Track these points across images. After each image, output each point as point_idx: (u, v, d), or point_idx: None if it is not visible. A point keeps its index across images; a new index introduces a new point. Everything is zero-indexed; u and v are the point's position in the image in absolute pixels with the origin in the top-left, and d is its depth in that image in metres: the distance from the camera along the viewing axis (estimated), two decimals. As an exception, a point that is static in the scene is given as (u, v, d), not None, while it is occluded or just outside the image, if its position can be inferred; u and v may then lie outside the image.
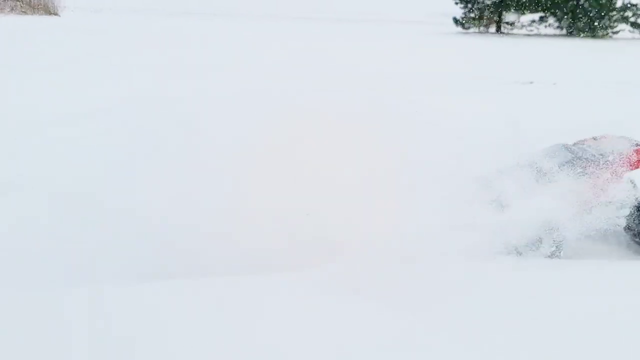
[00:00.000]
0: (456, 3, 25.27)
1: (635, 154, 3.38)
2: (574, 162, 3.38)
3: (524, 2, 23.88)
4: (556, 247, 3.16)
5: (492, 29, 25.29)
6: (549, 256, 3.11)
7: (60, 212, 3.34)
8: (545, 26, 24.65)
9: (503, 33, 24.72)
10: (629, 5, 23.29)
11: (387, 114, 3.13)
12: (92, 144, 4.59)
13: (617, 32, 23.60)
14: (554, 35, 23.83)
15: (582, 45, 19.32)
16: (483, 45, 19.11)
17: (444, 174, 3.05)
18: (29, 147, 4.91)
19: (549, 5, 23.44)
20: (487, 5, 24.67)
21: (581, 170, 3.32)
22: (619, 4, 23.23)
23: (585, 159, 3.38)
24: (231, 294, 2.42)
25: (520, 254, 3.08)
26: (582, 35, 23.07)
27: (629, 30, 23.69)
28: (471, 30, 25.28)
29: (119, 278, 2.71)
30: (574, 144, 3.56)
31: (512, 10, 24.29)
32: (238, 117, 3.40)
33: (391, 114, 3.11)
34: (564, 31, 24.13)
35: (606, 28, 23.21)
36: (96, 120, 5.71)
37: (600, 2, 22.02)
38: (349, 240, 2.82)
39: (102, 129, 5.11)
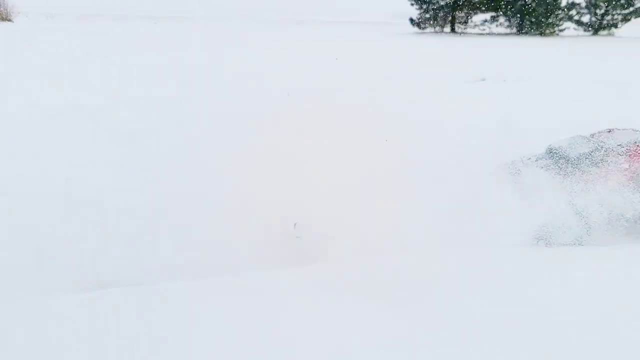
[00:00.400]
0: (412, 4, 26.06)
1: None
2: (596, 152, 3.59)
3: (475, 3, 24.89)
4: (585, 231, 3.26)
5: (447, 28, 26.22)
6: (576, 242, 3.20)
7: (60, 211, 3.34)
8: (497, 25, 25.75)
9: (457, 32, 25.67)
10: (573, 4, 24.64)
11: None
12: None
13: (563, 30, 24.92)
14: (505, 34, 24.90)
15: (530, 43, 20.35)
16: (437, 44, 19.83)
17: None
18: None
19: (499, 5, 24.55)
20: (442, 6, 25.56)
21: (603, 158, 3.52)
22: (563, 3, 24.54)
23: (606, 149, 3.60)
24: (234, 292, 2.48)
25: (548, 240, 3.19)
26: (531, 33, 24.28)
27: (574, 28, 25.10)
28: (427, 30, 26.14)
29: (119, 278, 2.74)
30: (592, 135, 3.80)
31: (465, 10, 25.26)
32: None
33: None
34: (514, 29, 25.31)
35: (553, 26, 24.45)
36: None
37: (547, 1, 23.21)
38: (355, 235, 2.91)
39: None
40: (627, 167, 3.46)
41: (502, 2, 24.18)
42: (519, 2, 24.01)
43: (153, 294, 2.42)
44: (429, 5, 25.64)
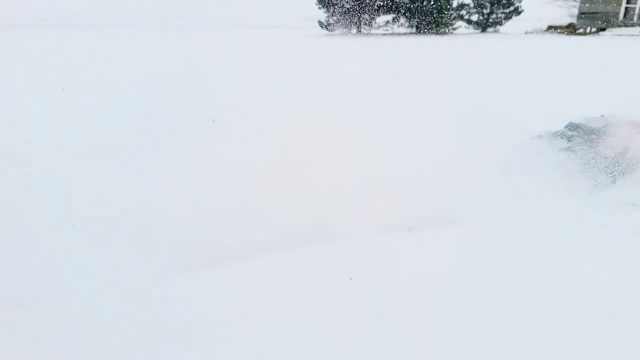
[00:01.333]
0: (319, 8, 27.36)
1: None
2: (610, 125, 4.86)
3: (378, 6, 26.67)
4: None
5: (354, 30, 27.81)
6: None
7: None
8: (398, 26, 27.72)
9: (363, 33, 27.34)
10: (462, 5, 27.14)
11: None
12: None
13: (456, 29, 27.35)
14: (406, 34, 26.89)
15: (427, 42, 22.28)
16: (346, 45, 21.20)
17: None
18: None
19: (399, 7, 26.50)
20: (347, 9, 27.06)
21: (615, 131, 4.75)
22: (455, 4, 26.95)
23: (615, 124, 4.86)
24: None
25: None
26: (428, 32, 26.44)
27: (465, 27, 27.66)
28: (336, 32, 27.58)
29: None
30: (601, 116, 5.14)
31: (369, 13, 26.96)
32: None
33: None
34: (414, 29, 27.39)
35: (447, 25, 26.77)
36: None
37: (439, 3, 25.42)
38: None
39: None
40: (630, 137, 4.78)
41: (401, 5, 26.13)
42: (416, 4, 26.03)
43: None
44: (335, 8, 27.01)
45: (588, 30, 23.91)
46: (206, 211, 3.71)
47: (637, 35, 21.59)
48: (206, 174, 4.20)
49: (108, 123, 6.36)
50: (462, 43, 20.67)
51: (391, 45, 20.30)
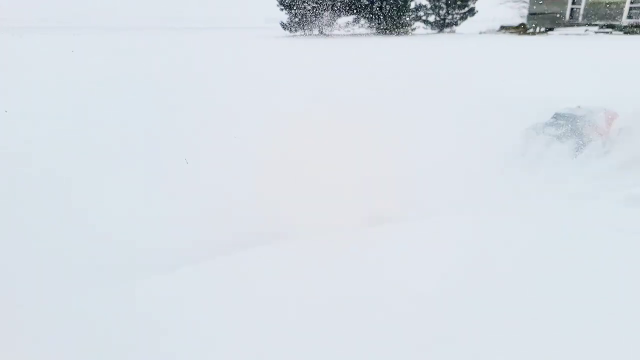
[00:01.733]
0: (281, 9, 27.67)
1: (611, 112, 6.18)
2: (593, 112, 6.10)
3: (338, 7, 27.19)
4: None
5: (316, 31, 28.25)
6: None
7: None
8: (359, 27, 28.34)
9: (324, 34, 27.82)
10: (420, 6, 28.01)
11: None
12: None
13: (414, 29, 28.21)
14: (367, 34, 27.52)
15: (389, 42, 22.91)
16: (305, 45, 21.57)
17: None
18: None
19: (358, 9, 27.11)
20: (308, 10, 27.46)
21: (594, 118, 5.96)
22: (412, 6, 27.78)
23: (594, 112, 6.07)
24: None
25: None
26: (387, 33, 27.16)
27: (423, 27, 28.56)
28: (298, 33, 27.96)
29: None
30: (578, 107, 6.39)
31: (329, 14, 27.45)
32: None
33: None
34: (374, 30, 28.07)
35: (406, 26, 27.57)
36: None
37: (398, 5, 26.17)
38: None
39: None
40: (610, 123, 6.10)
41: (361, 6, 26.74)
42: (375, 5, 26.69)
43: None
44: (296, 10, 27.36)
45: (537, 30, 25.19)
46: (205, 211, 3.95)
47: (582, 35, 22.94)
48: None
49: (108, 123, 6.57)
50: (424, 43, 21.40)
51: (353, 45, 20.81)
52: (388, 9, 26.45)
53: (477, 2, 27.83)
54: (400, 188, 4.50)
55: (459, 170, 5.12)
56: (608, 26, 23.16)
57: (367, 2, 26.52)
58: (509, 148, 5.93)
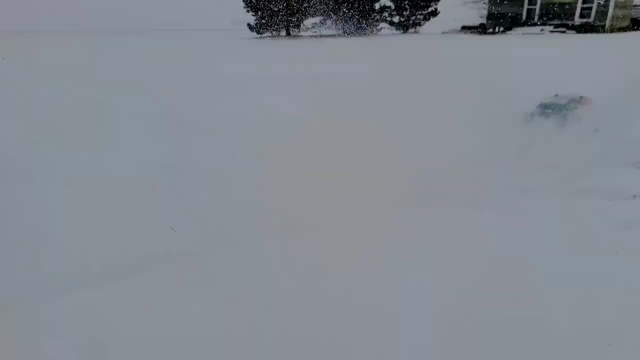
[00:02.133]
0: (247, 11, 27.79)
1: (587, 99, 7.05)
2: (574, 99, 6.92)
3: (305, 9, 27.52)
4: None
5: (283, 32, 28.50)
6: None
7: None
8: (326, 28, 28.74)
9: (292, 36, 28.11)
10: (384, 8, 28.65)
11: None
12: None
13: (380, 30, 28.82)
14: (334, 36, 27.93)
15: (357, 43, 23.35)
16: (273, 47, 21.81)
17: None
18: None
19: (325, 10, 27.52)
20: (275, 12, 27.66)
21: (574, 105, 6.83)
22: (377, 7, 28.38)
23: (575, 99, 6.91)
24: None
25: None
26: (354, 34, 27.66)
27: (387, 28, 29.22)
28: (265, 35, 28.14)
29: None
30: (555, 96, 7.23)
31: (296, 15, 27.75)
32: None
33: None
34: (341, 31, 28.50)
35: (372, 27, 28.13)
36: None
37: (361, 7, 26.73)
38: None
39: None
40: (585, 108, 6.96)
41: (328, 8, 27.16)
42: (342, 7, 27.16)
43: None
44: (263, 12, 27.53)
45: (496, 29, 26.23)
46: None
47: (537, 34, 24.06)
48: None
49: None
50: (389, 43, 21.97)
51: (323, 47, 21.18)
52: (354, 11, 26.96)
53: (439, 3, 28.67)
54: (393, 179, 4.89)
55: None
56: (562, 25, 24.38)
57: (334, 4, 26.97)
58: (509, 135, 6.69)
